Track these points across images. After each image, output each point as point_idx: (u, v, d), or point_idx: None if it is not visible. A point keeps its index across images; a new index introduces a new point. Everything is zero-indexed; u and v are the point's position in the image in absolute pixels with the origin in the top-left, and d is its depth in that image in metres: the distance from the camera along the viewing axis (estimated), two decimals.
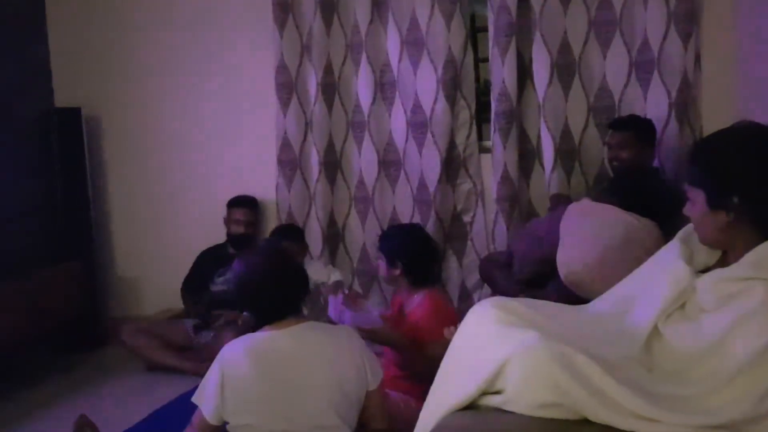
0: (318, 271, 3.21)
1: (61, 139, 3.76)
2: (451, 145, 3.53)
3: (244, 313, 2.83)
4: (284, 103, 3.68)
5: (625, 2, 3.16)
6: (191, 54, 3.85)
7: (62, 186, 3.77)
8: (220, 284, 3.63)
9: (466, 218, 3.59)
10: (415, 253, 2.58)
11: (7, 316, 3.07)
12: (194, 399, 1.92)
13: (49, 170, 3.76)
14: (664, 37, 3.11)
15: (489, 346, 1.38)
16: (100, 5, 3.93)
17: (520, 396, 1.30)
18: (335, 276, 3.27)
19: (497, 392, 1.35)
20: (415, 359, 2.36)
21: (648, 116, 3.12)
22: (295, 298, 2.01)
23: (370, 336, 2.29)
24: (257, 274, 1.97)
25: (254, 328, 2.06)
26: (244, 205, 3.68)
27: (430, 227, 3.53)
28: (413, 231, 2.77)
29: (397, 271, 2.58)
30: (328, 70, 3.62)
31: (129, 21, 3.91)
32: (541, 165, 3.38)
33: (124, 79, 3.94)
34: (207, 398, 1.89)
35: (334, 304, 2.39)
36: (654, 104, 3.15)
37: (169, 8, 3.86)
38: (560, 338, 1.33)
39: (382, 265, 2.65)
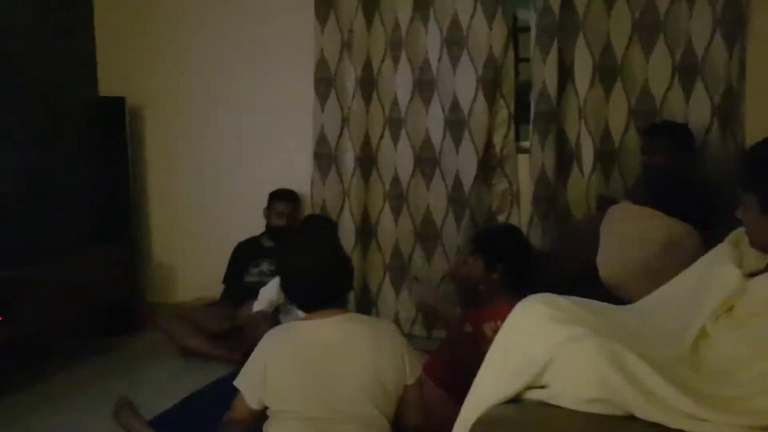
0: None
1: (105, 128, 3.84)
2: (488, 144, 3.52)
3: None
4: (322, 98, 3.71)
5: (670, 6, 3.14)
6: (233, 47, 3.90)
7: (104, 173, 3.84)
8: (254, 275, 3.68)
9: (501, 218, 3.58)
10: (517, 256, 2.46)
11: (48, 297, 3.13)
12: (236, 383, 1.95)
13: (92, 158, 3.84)
14: (709, 43, 3.08)
15: (536, 341, 1.40)
16: (146, 1, 4.00)
17: (566, 390, 1.31)
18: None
19: (542, 387, 1.37)
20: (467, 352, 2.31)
21: (690, 122, 3.09)
22: (341, 290, 2.03)
23: None
24: (306, 263, 1.98)
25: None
26: (287, 198, 3.72)
27: (463, 226, 3.55)
28: (515, 232, 2.64)
29: (496, 275, 2.46)
30: (367, 66, 3.64)
31: (173, 14, 3.97)
32: (579, 167, 3.37)
33: (167, 71, 4.01)
34: (249, 383, 1.92)
35: None
36: (696, 110, 3.12)
37: (213, 2, 3.92)
38: (608, 335, 1.34)
39: (477, 265, 2.52)
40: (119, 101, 3.90)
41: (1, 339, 2.92)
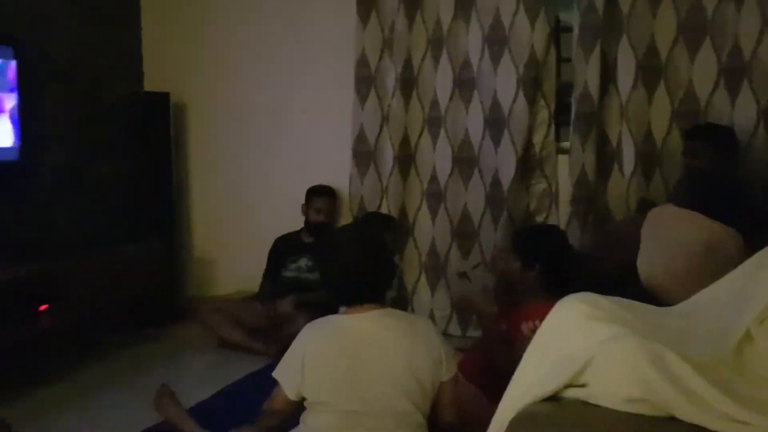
0: None
1: (149, 122, 3.92)
2: (528, 144, 3.51)
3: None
4: (362, 97, 3.73)
5: (718, 6, 3.09)
6: (275, 45, 3.96)
7: (147, 167, 3.92)
8: (292, 270, 3.73)
9: (539, 219, 3.57)
10: (555, 256, 2.43)
11: (91, 288, 3.21)
12: (275, 374, 1.98)
13: (136, 152, 3.93)
14: (758, 44, 3.02)
15: (576, 339, 1.39)
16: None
17: (606, 390, 1.31)
18: None
19: (582, 385, 1.36)
20: (501, 351, 2.31)
21: (735, 124, 3.04)
22: (379, 287, 2.04)
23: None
24: (346, 258, 2.00)
25: (333, 309, 2.12)
26: (325, 194, 3.76)
27: (501, 226, 3.54)
28: (554, 232, 2.61)
29: (532, 274, 2.43)
30: (407, 65, 3.66)
31: (217, 12, 4.04)
32: (620, 168, 3.34)
33: (211, 68, 4.09)
34: (288, 374, 1.95)
35: None
36: (742, 112, 3.08)
37: (257, 1, 3.97)
38: (649, 336, 1.33)
39: (514, 264, 2.49)
40: (164, 96, 3.98)
41: (47, 327, 3.00)
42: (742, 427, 1.23)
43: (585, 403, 1.34)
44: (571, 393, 1.38)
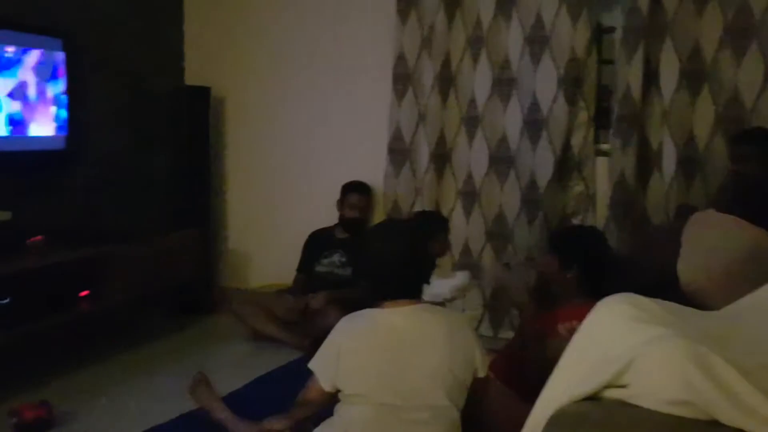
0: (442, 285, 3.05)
1: (189, 116, 3.98)
2: (566, 146, 3.48)
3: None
4: (399, 94, 3.73)
5: (766, 7, 3.03)
6: (314, 42, 3.99)
7: (187, 159, 3.98)
8: (325, 266, 3.75)
9: (575, 221, 3.54)
10: (594, 258, 2.40)
11: (133, 276, 3.28)
12: (310, 365, 2.00)
13: (176, 144, 3.99)
14: None
15: (618, 339, 1.38)
16: None
17: (648, 391, 1.29)
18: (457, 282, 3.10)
19: (622, 386, 1.35)
20: (536, 349, 2.29)
21: None
22: (418, 283, 2.05)
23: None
24: (390, 251, 2.01)
25: (365, 305, 2.14)
26: (360, 190, 3.77)
27: (536, 227, 3.52)
28: (594, 234, 2.58)
29: (570, 275, 2.42)
30: (445, 63, 3.65)
31: (257, 10, 4.09)
32: (660, 172, 3.29)
33: (251, 64, 4.13)
34: (323, 366, 1.97)
35: None
36: None
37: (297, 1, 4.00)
38: (694, 338, 1.32)
39: (552, 265, 2.48)
40: (204, 91, 4.04)
41: (88, 311, 3.07)
42: None
43: (625, 404, 1.33)
44: (612, 393, 1.37)
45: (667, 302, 1.53)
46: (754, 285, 1.79)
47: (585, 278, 2.42)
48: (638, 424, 1.26)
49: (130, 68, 3.85)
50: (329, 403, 1.99)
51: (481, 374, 2.02)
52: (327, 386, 1.95)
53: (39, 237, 3.04)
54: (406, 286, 2.02)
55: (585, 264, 2.42)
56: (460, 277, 3.13)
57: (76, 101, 3.35)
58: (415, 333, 1.96)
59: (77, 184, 3.52)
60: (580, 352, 1.50)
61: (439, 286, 2.95)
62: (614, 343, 1.39)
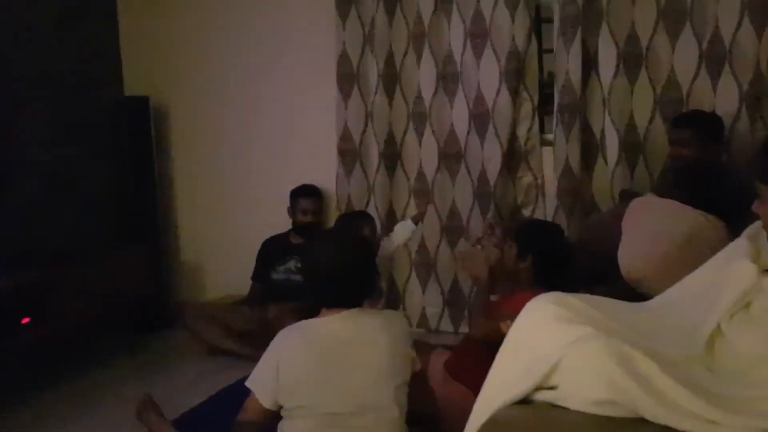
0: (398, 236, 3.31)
1: (130, 127, 3.88)
2: (513, 137, 3.49)
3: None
4: (345, 94, 3.70)
5: None
6: (254, 45, 3.93)
7: (130, 172, 3.89)
8: (281, 273, 3.71)
9: (526, 212, 3.55)
10: (547, 253, 2.47)
11: (78, 299, 3.19)
12: (248, 383, 1.97)
13: (118, 157, 3.90)
14: (737, 29, 2.99)
15: (546, 341, 1.38)
16: (168, 2, 4.04)
17: (574, 392, 1.29)
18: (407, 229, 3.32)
19: (552, 387, 1.35)
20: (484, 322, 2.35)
21: (717, 110, 3.02)
22: (360, 293, 2.04)
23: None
24: (330, 263, 1.99)
25: (310, 315, 2.11)
26: (310, 194, 3.73)
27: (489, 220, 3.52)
28: (555, 233, 2.65)
29: (524, 264, 2.49)
30: (389, 61, 3.62)
31: (195, 14, 4.00)
32: (604, 159, 3.31)
33: (191, 70, 4.05)
34: (262, 382, 1.94)
35: None
36: (724, 98, 3.05)
37: (235, 1, 3.94)
38: (618, 335, 1.31)
39: (510, 251, 2.54)
40: (143, 100, 3.95)
41: (29, 339, 2.98)
42: (712, 426, 1.21)
43: (554, 406, 1.32)
44: (543, 395, 1.36)
45: (595, 297, 1.53)
46: (693, 268, 1.80)
47: (538, 269, 2.47)
48: (565, 426, 1.26)
49: (64, 81, 3.74)
50: (271, 422, 1.95)
51: (417, 369, 2.04)
52: (267, 403, 1.92)
53: None
54: (346, 297, 2.00)
55: (539, 256, 2.47)
56: (401, 231, 3.32)
57: (6, 120, 3.24)
58: (355, 336, 1.96)
59: (13, 205, 3.39)
60: (512, 353, 1.50)
61: (387, 242, 3.29)
62: (542, 344, 1.39)
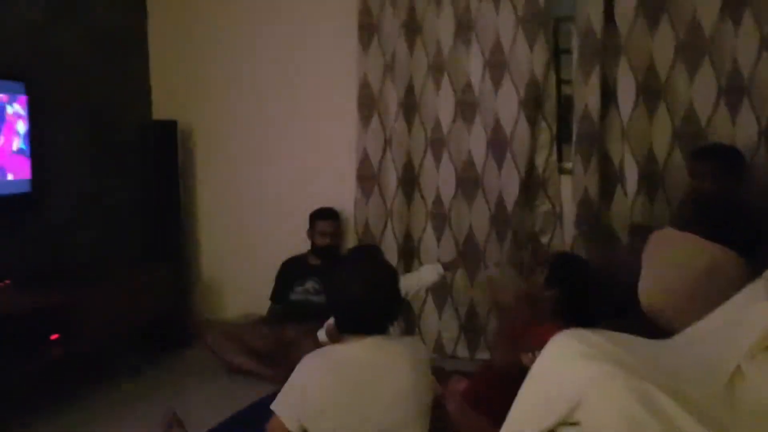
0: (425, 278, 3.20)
1: (158, 150, 3.97)
2: (531, 165, 3.53)
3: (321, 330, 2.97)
4: (365, 120, 3.76)
5: (716, 25, 3.10)
6: (279, 72, 4.01)
7: (156, 193, 3.98)
8: (299, 293, 3.76)
9: (544, 239, 3.57)
10: (574, 288, 2.47)
11: (104, 316, 3.25)
12: (274, 407, 2.00)
13: (146, 178, 3.99)
14: (756, 62, 3.03)
15: (569, 377, 1.41)
16: (196, 28, 4.15)
17: (597, 428, 1.32)
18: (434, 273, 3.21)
19: (574, 423, 1.38)
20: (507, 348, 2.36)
21: (737, 143, 3.04)
22: (384, 321, 2.08)
23: None
24: (354, 290, 2.02)
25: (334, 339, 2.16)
26: (329, 217, 3.78)
27: (506, 247, 3.55)
28: (586, 266, 2.66)
29: (549, 294, 2.50)
30: (409, 89, 3.69)
31: (223, 41, 4.10)
32: (623, 189, 3.34)
33: (217, 96, 4.14)
34: (288, 405, 1.97)
35: None
36: (743, 131, 3.08)
37: (260, 29, 4.03)
38: (640, 373, 1.35)
39: (537, 279, 2.56)
40: (171, 124, 4.04)
41: (57, 356, 3.04)
42: None
43: None
44: (565, 431, 1.39)
45: (616, 334, 1.56)
46: (714, 303, 1.83)
47: (564, 302, 2.48)
48: None
49: (96, 105, 3.84)
50: None
51: (437, 392, 2.09)
52: (293, 427, 1.95)
53: (6, 281, 3.02)
54: (369, 323, 2.04)
55: (567, 289, 2.48)
56: (428, 274, 3.20)
57: (40, 143, 3.34)
58: (376, 362, 1.99)
59: (45, 225, 3.49)
60: (534, 388, 1.53)
61: (407, 280, 3.12)
62: (565, 380, 1.42)
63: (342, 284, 2.08)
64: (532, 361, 1.76)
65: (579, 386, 1.36)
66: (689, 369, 1.46)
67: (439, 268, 3.21)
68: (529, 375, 1.56)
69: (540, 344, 2.12)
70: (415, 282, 3.20)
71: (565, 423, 1.38)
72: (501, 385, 2.36)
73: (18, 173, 3.25)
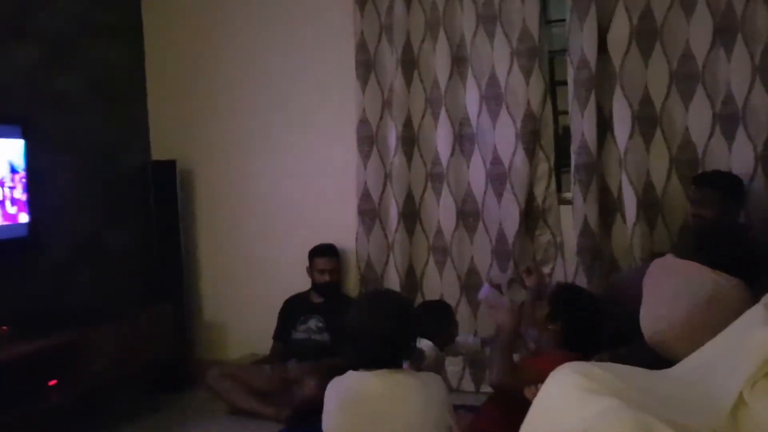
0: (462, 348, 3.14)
1: (157, 190, 3.99)
2: (530, 196, 3.54)
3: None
4: (365, 156, 3.79)
5: (708, 55, 3.13)
6: (276, 110, 4.05)
7: (156, 233, 3.98)
8: (302, 332, 3.74)
9: (546, 270, 3.56)
10: (582, 320, 2.47)
11: (104, 359, 3.22)
12: None
13: (145, 218, 4.00)
14: (749, 90, 3.06)
15: (570, 412, 1.40)
16: (194, 70, 4.20)
17: None
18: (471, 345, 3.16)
19: None
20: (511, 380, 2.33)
21: (733, 169, 3.06)
22: (399, 356, 2.10)
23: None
24: (364, 325, 2.07)
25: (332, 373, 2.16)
26: (327, 254, 3.78)
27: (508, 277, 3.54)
28: (590, 300, 2.65)
29: (552, 327, 2.50)
30: (407, 123, 3.72)
31: (220, 83, 4.15)
32: (623, 217, 3.34)
33: (215, 135, 4.17)
34: None
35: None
36: (739, 157, 3.09)
37: (255, 68, 4.08)
38: (642, 406, 1.33)
39: (540, 313, 2.57)
40: (170, 164, 4.07)
41: (56, 401, 3.01)
42: None
43: None
44: None
45: (617, 366, 1.55)
46: (715, 331, 1.82)
47: (567, 334, 2.48)
48: None
49: (94, 147, 3.87)
50: None
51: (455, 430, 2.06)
52: None
53: (3, 328, 3.00)
54: (380, 357, 2.06)
55: (571, 323, 2.47)
56: (466, 345, 3.13)
57: (37, 187, 3.35)
58: (386, 394, 2.01)
59: (43, 268, 3.49)
60: (538, 421, 1.51)
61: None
62: (568, 414, 1.41)
63: (351, 320, 2.13)
64: (535, 394, 1.74)
65: (583, 420, 1.34)
66: (691, 400, 1.45)
67: (477, 342, 3.15)
68: (532, 409, 1.55)
69: (542, 376, 2.12)
70: (471, 343, 3.15)
71: None
72: (504, 422, 2.35)
73: (15, 217, 3.26)
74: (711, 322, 2.06)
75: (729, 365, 1.46)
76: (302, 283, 3.85)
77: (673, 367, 1.65)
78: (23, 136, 3.28)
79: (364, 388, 2.02)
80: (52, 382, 3.00)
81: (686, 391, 1.49)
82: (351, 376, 2.09)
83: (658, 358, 2.10)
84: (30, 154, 3.31)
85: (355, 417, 1.97)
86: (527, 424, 1.53)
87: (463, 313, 3.69)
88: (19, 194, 3.28)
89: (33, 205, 3.32)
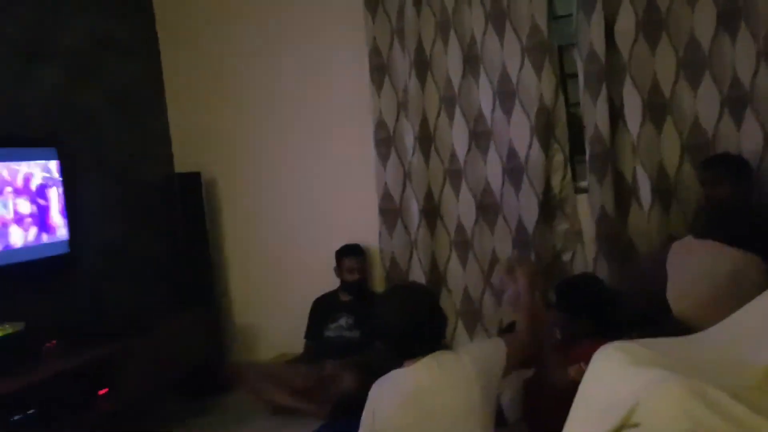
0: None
1: (183, 201, 4.12)
2: (547, 187, 3.64)
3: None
4: (383, 157, 3.90)
5: (713, 42, 3.23)
6: (296, 117, 4.17)
7: (185, 243, 4.11)
8: (333, 330, 3.85)
9: (566, 257, 3.67)
10: (598, 306, 2.58)
11: (145, 368, 3.35)
12: None
13: (174, 230, 4.12)
14: (755, 73, 3.16)
15: (619, 386, 1.51)
16: (212, 82, 4.32)
17: (659, 427, 1.42)
18: None
19: (634, 425, 1.48)
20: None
21: (743, 151, 3.17)
22: (435, 339, 2.20)
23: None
24: (397, 318, 2.16)
25: (381, 366, 2.27)
26: (354, 253, 3.90)
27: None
28: (593, 284, 2.76)
29: (582, 321, 2.58)
30: (423, 123, 3.82)
31: (238, 93, 4.27)
32: (638, 203, 3.45)
33: (237, 145, 4.30)
34: (361, 429, 2.09)
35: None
36: (748, 139, 3.19)
37: (273, 78, 4.20)
38: (688, 374, 1.45)
39: (560, 324, 2.65)
40: (195, 176, 4.19)
41: (107, 409, 3.13)
42: None
43: None
44: None
45: (651, 341, 1.67)
46: (738, 304, 1.93)
47: (596, 322, 2.59)
48: None
49: (121, 163, 4.00)
50: None
51: (505, 363, 2.17)
52: None
53: (53, 342, 3.13)
54: (423, 344, 2.15)
55: (592, 312, 2.59)
56: None
57: (74, 204, 3.48)
58: (435, 381, 2.09)
59: (82, 283, 3.62)
60: (586, 403, 1.63)
61: None
62: (617, 388, 1.52)
63: (382, 317, 2.22)
64: (579, 372, 1.86)
65: (634, 390, 1.46)
66: (724, 364, 1.57)
67: None
68: (579, 392, 1.66)
69: (584, 358, 2.22)
70: None
71: (625, 426, 1.48)
72: (553, 401, 2.45)
73: (57, 235, 3.38)
74: (734, 295, 2.17)
75: (760, 333, 1.57)
76: (328, 283, 3.96)
77: (703, 334, 1.77)
78: (59, 157, 3.41)
79: (416, 382, 2.09)
80: (103, 391, 3.12)
81: (720, 355, 1.61)
82: (399, 374, 2.16)
83: (684, 333, 2.21)
84: (66, 175, 3.43)
85: (418, 412, 2.04)
86: (578, 402, 1.65)
87: (487, 304, 3.81)
88: (58, 212, 3.41)
89: (71, 221, 3.45)
